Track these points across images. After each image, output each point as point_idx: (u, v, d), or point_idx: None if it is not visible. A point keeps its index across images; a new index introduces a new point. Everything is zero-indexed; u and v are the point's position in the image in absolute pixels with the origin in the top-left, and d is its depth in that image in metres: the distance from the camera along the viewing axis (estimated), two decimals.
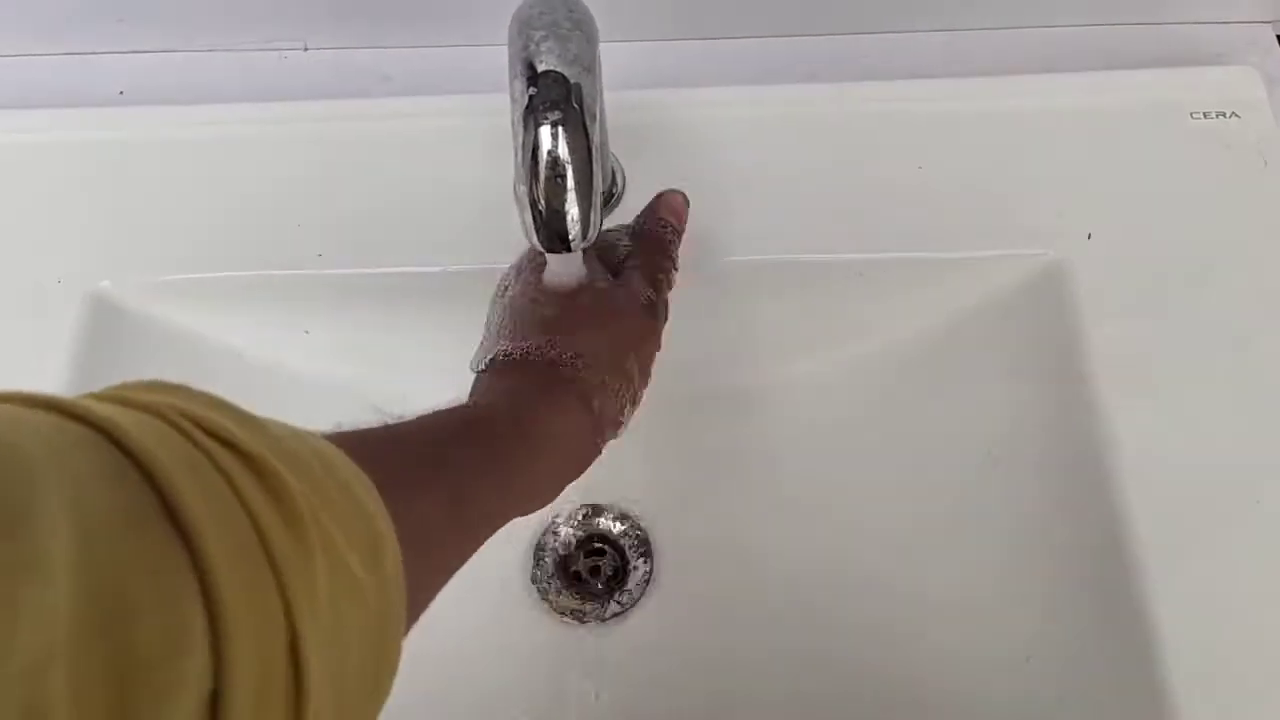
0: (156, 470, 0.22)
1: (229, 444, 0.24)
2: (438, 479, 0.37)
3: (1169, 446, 0.49)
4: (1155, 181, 0.56)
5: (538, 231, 0.41)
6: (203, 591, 0.21)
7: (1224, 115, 0.57)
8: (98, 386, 0.53)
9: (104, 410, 0.23)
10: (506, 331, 0.47)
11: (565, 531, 0.59)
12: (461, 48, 0.63)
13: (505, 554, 0.58)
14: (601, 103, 0.47)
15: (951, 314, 0.56)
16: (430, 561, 0.35)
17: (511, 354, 0.46)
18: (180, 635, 0.20)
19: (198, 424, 0.24)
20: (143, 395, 0.25)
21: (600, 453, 0.47)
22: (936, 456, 0.56)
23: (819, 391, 0.59)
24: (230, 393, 0.58)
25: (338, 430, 0.34)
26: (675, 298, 0.56)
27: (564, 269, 0.46)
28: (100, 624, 0.19)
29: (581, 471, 0.46)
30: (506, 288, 0.50)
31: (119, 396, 0.25)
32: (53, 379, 0.52)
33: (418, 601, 0.32)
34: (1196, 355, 0.51)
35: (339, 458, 0.29)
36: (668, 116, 0.59)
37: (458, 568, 0.38)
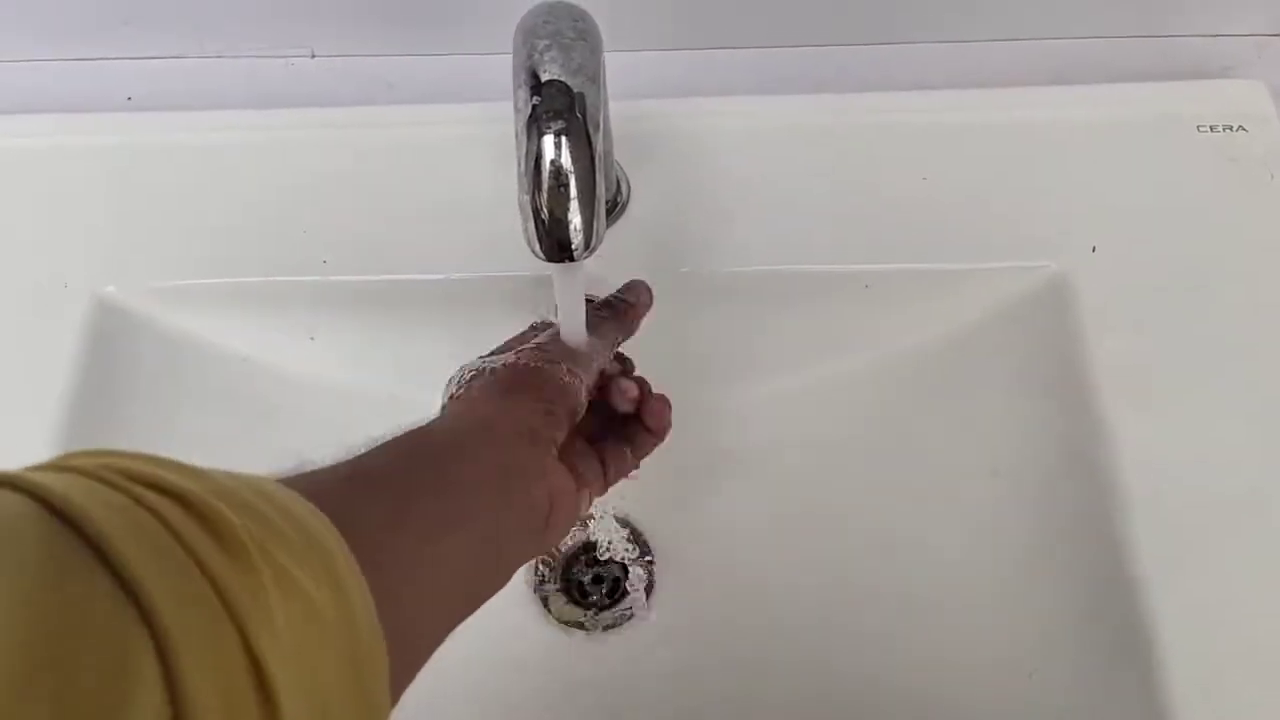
0: (84, 520, 0.22)
1: (157, 487, 0.24)
2: (371, 491, 0.36)
3: (1172, 460, 0.49)
4: (1161, 194, 0.56)
5: (540, 241, 0.41)
6: (149, 629, 0.21)
7: (1231, 129, 0.57)
8: (102, 390, 0.53)
9: (29, 475, 0.23)
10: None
11: (567, 540, 0.59)
12: (469, 56, 0.63)
13: None
14: (606, 112, 0.47)
15: (955, 326, 0.56)
16: (399, 580, 0.33)
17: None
18: (126, 676, 0.20)
19: (126, 474, 0.24)
20: (76, 460, 0.25)
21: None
22: (939, 468, 0.56)
23: (823, 402, 0.58)
24: (234, 397, 0.59)
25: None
26: (678, 307, 0.56)
27: (567, 281, 0.46)
28: (40, 675, 0.19)
29: (531, 490, 0.42)
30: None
31: (51, 464, 0.25)
32: (57, 383, 0.52)
33: (403, 636, 0.30)
34: (1201, 369, 0.51)
35: (284, 491, 0.29)
36: (673, 126, 0.59)
37: (438, 587, 0.36)
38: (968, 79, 0.60)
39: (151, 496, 0.24)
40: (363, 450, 0.38)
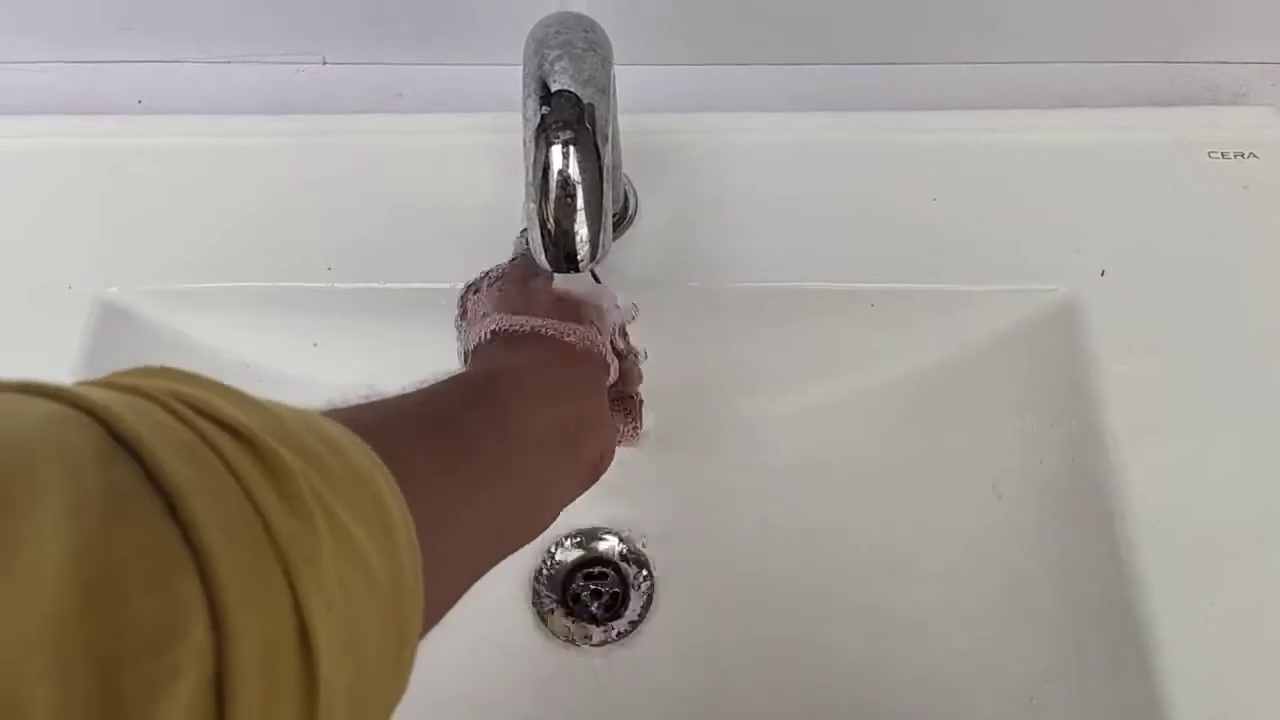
0: (144, 449, 0.21)
1: (222, 423, 0.24)
2: (435, 436, 0.36)
3: (1180, 487, 0.48)
4: (1172, 220, 0.55)
5: (547, 251, 0.41)
6: (199, 568, 0.21)
7: (1242, 155, 0.57)
8: None
9: (93, 394, 0.22)
10: (508, 308, 0.47)
11: (565, 554, 0.59)
12: (479, 66, 0.63)
13: (506, 577, 0.58)
14: (615, 124, 0.47)
15: (963, 347, 0.56)
16: (445, 523, 0.33)
17: (521, 326, 0.45)
18: (175, 616, 0.20)
19: (191, 405, 0.24)
20: (137, 380, 0.25)
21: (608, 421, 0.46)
22: (943, 490, 0.56)
23: (826, 420, 0.58)
24: None
25: (334, 407, 0.33)
26: (685, 320, 0.56)
27: (572, 289, 0.46)
28: (89, 611, 0.19)
29: (591, 440, 0.44)
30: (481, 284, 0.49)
31: (111, 382, 0.25)
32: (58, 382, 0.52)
33: (440, 576, 0.31)
34: (1209, 395, 0.51)
35: (343, 434, 0.28)
36: (684, 141, 0.59)
37: (482, 531, 0.36)
38: (979, 100, 0.60)
39: (215, 432, 0.23)
40: (435, 382, 0.39)
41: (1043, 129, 0.58)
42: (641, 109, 0.54)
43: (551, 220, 0.41)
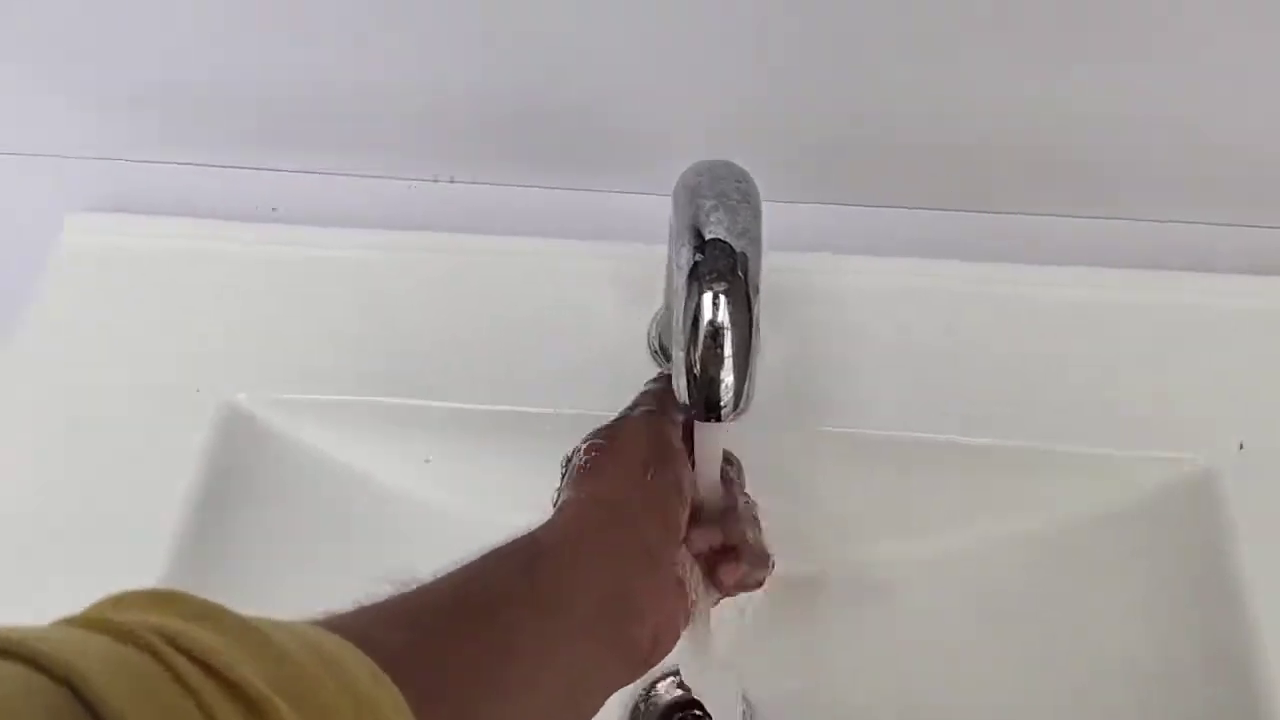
0: (104, 710, 0.20)
1: (213, 671, 0.23)
2: (471, 634, 0.34)
3: None
4: None
5: (690, 397, 0.41)
6: None
7: None
8: (223, 495, 0.53)
9: (64, 648, 0.21)
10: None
11: (663, 693, 0.57)
12: (610, 194, 0.64)
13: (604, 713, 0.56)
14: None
15: (1090, 511, 0.54)
16: None
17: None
18: None
19: (180, 648, 0.23)
20: (123, 615, 0.24)
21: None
22: (1066, 661, 0.53)
23: (942, 576, 0.56)
24: (347, 513, 0.58)
25: (362, 606, 0.32)
26: (797, 464, 0.55)
27: (710, 439, 0.45)
28: None
29: (644, 620, 0.41)
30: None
31: (92, 620, 0.24)
32: (180, 484, 0.53)
33: None
34: None
35: (350, 656, 0.27)
36: (804, 280, 0.59)
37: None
38: (1114, 258, 0.59)
39: (201, 685, 0.22)
40: (478, 559, 0.37)
41: (1178, 290, 0.57)
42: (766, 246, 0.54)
43: (698, 366, 0.40)
